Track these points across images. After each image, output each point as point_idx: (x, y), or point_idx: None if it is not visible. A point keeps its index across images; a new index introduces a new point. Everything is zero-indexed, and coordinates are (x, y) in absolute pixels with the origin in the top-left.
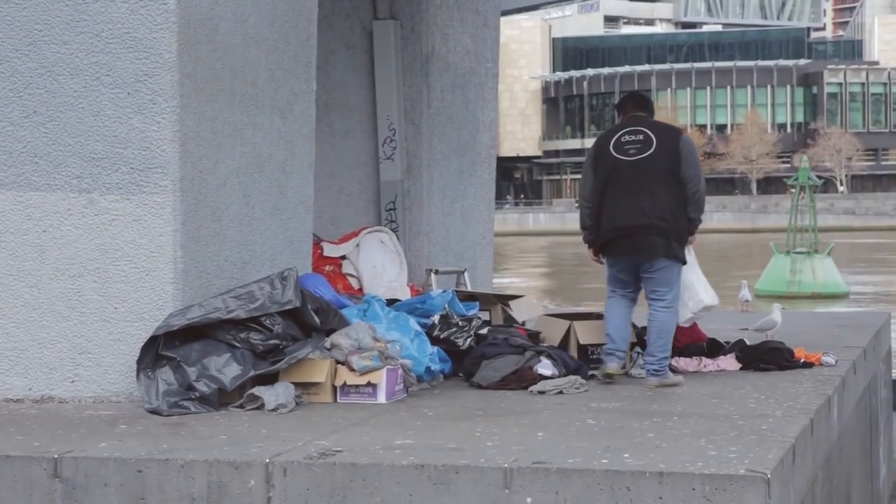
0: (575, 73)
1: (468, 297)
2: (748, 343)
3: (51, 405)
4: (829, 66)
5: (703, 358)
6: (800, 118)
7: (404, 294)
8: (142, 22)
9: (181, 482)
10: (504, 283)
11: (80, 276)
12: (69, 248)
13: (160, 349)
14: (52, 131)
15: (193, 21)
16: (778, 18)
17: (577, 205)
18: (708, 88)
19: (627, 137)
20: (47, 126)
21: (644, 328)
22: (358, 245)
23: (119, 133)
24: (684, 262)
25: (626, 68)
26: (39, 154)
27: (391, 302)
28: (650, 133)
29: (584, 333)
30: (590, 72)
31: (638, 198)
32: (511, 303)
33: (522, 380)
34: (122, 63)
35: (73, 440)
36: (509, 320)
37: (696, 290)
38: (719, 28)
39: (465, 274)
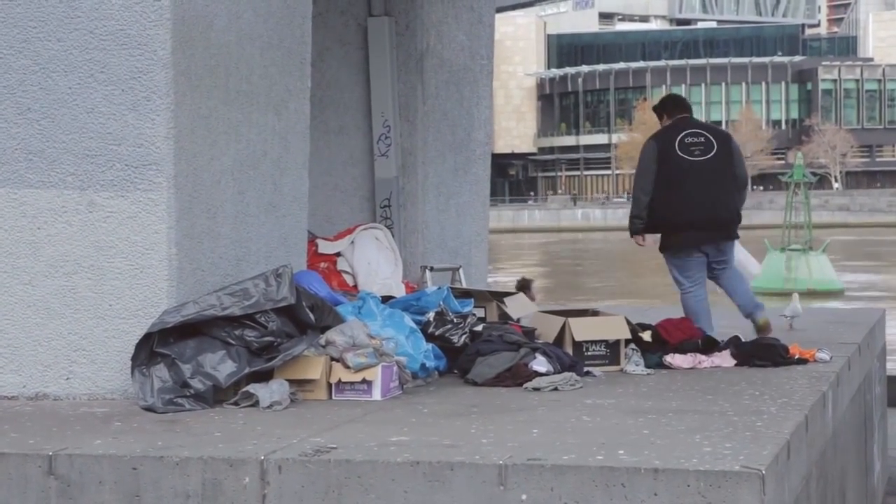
0: (570, 70)
1: (463, 294)
2: (743, 339)
3: (45, 402)
4: (823, 63)
5: (699, 354)
6: (794, 115)
7: (399, 291)
8: (136, 19)
9: (176, 479)
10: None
11: (75, 273)
12: (63, 246)
13: (155, 346)
14: (47, 128)
15: (188, 18)
16: (773, 15)
17: (629, 197)
18: (703, 85)
19: (690, 139)
20: (41, 123)
21: (639, 324)
22: (353, 242)
23: (113, 130)
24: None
25: (621, 65)
26: (33, 151)
27: (386, 299)
28: (709, 136)
29: (580, 330)
30: (585, 68)
31: (713, 194)
32: (506, 299)
33: (517, 376)
34: (116, 60)
35: (68, 437)
36: (504, 317)
37: (748, 263)
38: (714, 25)
39: (461, 271)
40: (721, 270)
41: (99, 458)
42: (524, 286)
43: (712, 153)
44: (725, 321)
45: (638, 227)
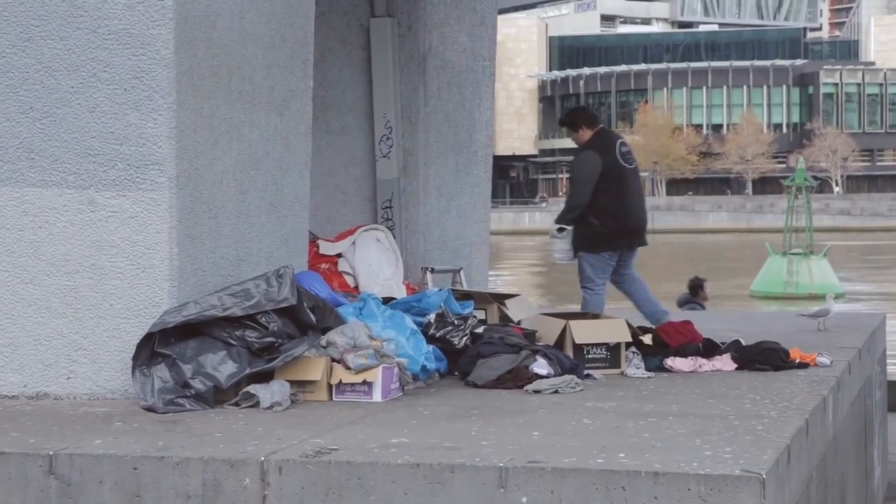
0: (571, 72)
1: (464, 296)
2: (744, 343)
3: (46, 402)
4: (825, 67)
5: (699, 358)
6: (796, 118)
7: (400, 292)
8: (139, 18)
9: (176, 480)
10: (500, 281)
11: (76, 272)
12: (65, 245)
13: (156, 346)
14: (49, 127)
15: (190, 18)
16: (774, 18)
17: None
18: (704, 88)
19: (624, 149)
20: (43, 122)
21: (640, 327)
22: (354, 243)
23: (115, 129)
24: None
25: (623, 67)
26: (35, 150)
27: (387, 300)
28: (629, 146)
29: (580, 333)
30: (586, 71)
31: (641, 200)
32: (507, 301)
33: (518, 379)
34: (118, 59)
35: (69, 437)
36: (505, 319)
37: None
38: (716, 28)
39: (461, 272)
40: (628, 276)
41: (99, 457)
42: (697, 286)
43: (636, 162)
44: (727, 325)
45: (557, 230)
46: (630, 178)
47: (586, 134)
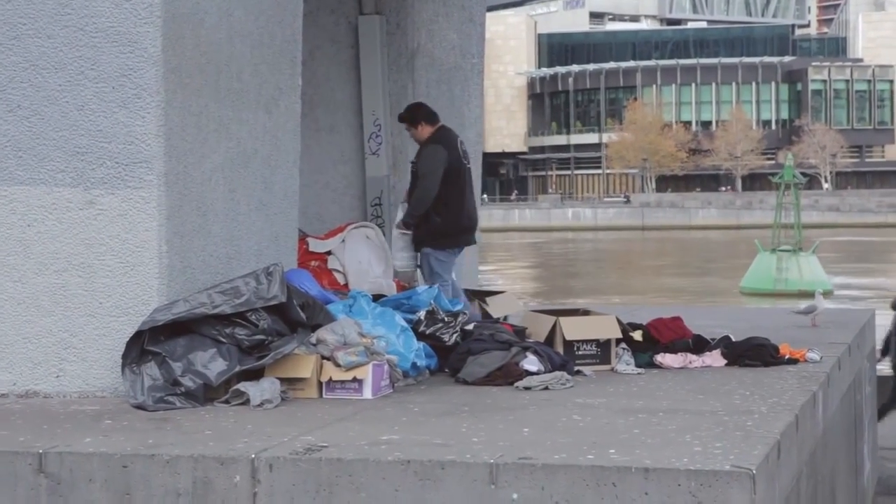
0: (560, 70)
1: None
2: (733, 339)
3: (35, 400)
4: (813, 64)
5: (689, 354)
6: (784, 115)
7: (390, 290)
8: (126, 16)
9: (166, 477)
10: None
11: (65, 270)
12: (54, 243)
13: (145, 344)
14: (37, 125)
15: (178, 15)
16: (763, 15)
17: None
18: (693, 85)
19: (463, 147)
20: (31, 120)
21: (630, 324)
22: (344, 241)
23: (103, 127)
24: None
25: (612, 64)
26: (23, 148)
27: (377, 297)
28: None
29: (570, 329)
30: (575, 68)
31: (474, 200)
32: (488, 299)
33: (508, 376)
34: (106, 57)
35: (58, 435)
36: (486, 316)
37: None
38: (704, 25)
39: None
40: (455, 278)
41: (89, 455)
42: None
43: (470, 161)
44: (717, 321)
45: (411, 224)
46: (468, 177)
47: (426, 130)
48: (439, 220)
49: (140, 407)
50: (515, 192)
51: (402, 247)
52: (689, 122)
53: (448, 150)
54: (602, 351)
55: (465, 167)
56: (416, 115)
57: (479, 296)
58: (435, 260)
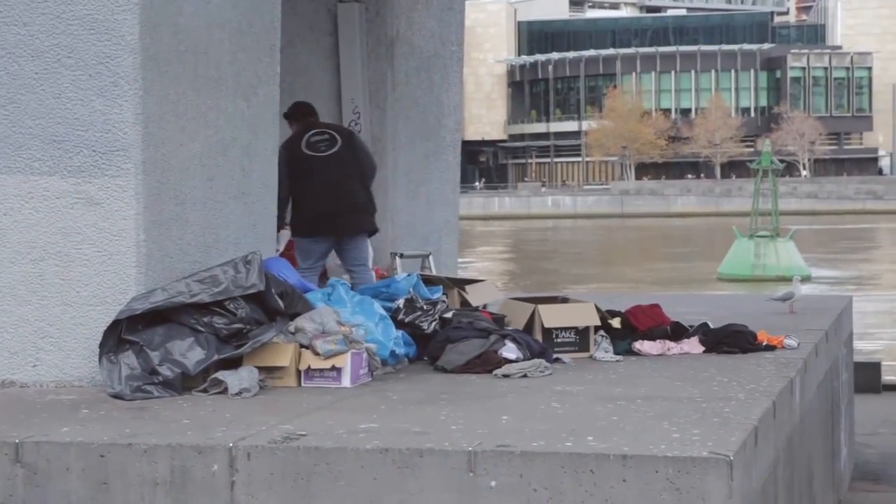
0: (540, 57)
1: (426, 281)
2: (712, 326)
3: (12, 390)
4: (792, 51)
5: (668, 341)
6: (763, 102)
7: (369, 278)
8: (103, 3)
9: (144, 467)
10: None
11: (42, 259)
12: (30, 232)
13: (123, 333)
14: (13, 114)
15: (156, 3)
16: (742, 3)
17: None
18: (672, 72)
19: (316, 138)
20: (7, 108)
21: (609, 311)
22: None
23: (81, 116)
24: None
25: (592, 52)
26: (0, 137)
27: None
28: (333, 133)
29: (549, 317)
30: (555, 56)
31: (340, 184)
32: (468, 287)
33: (487, 363)
34: (83, 45)
35: (35, 425)
36: (465, 304)
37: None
38: (684, 12)
39: (430, 258)
40: (356, 269)
41: (66, 445)
42: None
43: (336, 147)
44: (695, 308)
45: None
46: (325, 165)
47: (294, 128)
48: (294, 211)
49: (117, 396)
50: (483, 180)
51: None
52: (669, 110)
53: (289, 149)
54: (581, 338)
55: (313, 157)
56: (290, 116)
57: (459, 284)
58: (297, 248)
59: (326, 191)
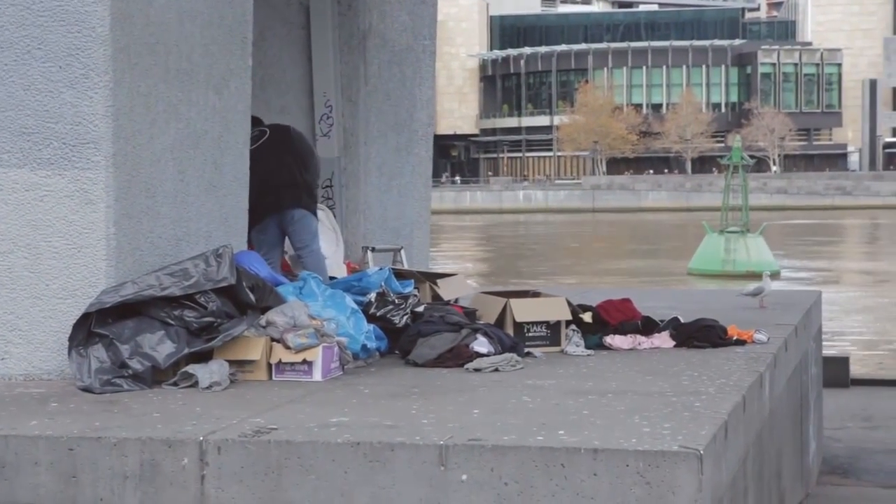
0: (512, 52)
1: (397, 275)
2: (682, 321)
3: None
4: (762, 47)
5: (638, 336)
6: (734, 98)
7: (341, 271)
8: None
9: (114, 460)
10: (441, 260)
11: (11, 252)
12: None
13: (92, 326)
14: None
15: None
16: None
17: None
18: (644, 68)
19: (254, 132)
20: None
21: (580, 305)
22: None
23: (50, 108)
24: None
25: (563, 47)
26: None
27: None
28: (263, 128)
29: (521, 311)
30: (527, 50)
31: (268, 171)
32: (439, 281)
33: (458, 357)
34: (53, 37)
35: (3, 418)
36: (437, 298)
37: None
38: (655, 7)
39: (402, 252)
40: (303, 253)
41: (35, 438)
42: None
43: (265, 138)
44: (666, 303)
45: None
46: (253, 157)
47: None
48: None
49: (87, 389)
50: (446, 174)
51: None
52: (640, 105)
53: None
54: (552, 332)
55: (252, 149)
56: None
57: (430, 278)
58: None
59: (262, 176)
